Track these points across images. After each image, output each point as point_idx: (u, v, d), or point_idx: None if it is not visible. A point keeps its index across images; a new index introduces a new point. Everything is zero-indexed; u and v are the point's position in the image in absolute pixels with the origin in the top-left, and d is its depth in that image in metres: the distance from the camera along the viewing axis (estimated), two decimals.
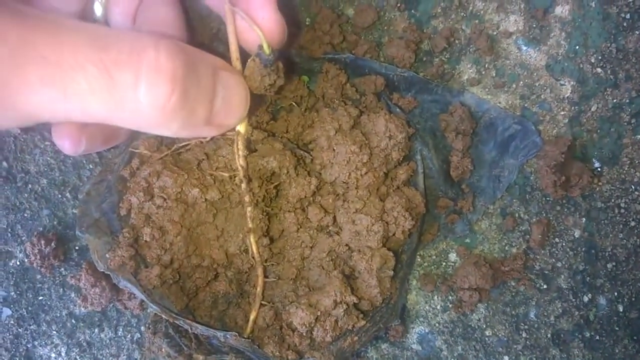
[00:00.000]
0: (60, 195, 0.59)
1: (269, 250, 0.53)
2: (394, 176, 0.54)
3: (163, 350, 0.47)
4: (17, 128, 0.57)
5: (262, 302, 0.49)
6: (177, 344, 0.48)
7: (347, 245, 0.52)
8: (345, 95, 0.56)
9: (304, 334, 0.47)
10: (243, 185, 0.47)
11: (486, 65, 0.58)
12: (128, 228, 0.48)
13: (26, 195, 0.59)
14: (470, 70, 0.58)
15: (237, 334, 0.46)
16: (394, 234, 0.51)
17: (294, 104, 0.55)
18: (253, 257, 0.49)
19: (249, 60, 0.44)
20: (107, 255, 0.48)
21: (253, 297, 0.51)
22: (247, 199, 0.47)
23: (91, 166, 0.58)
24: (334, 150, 0.52)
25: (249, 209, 0.47)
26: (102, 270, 0.48)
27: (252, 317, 0.49)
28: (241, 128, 0.46)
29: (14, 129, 0.57)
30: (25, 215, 0.59)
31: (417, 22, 0.58)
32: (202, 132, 0.42)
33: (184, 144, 0.51)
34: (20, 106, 0.33)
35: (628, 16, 0.58)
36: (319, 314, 0.47)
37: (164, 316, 0.46)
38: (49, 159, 0.59)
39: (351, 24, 0.58)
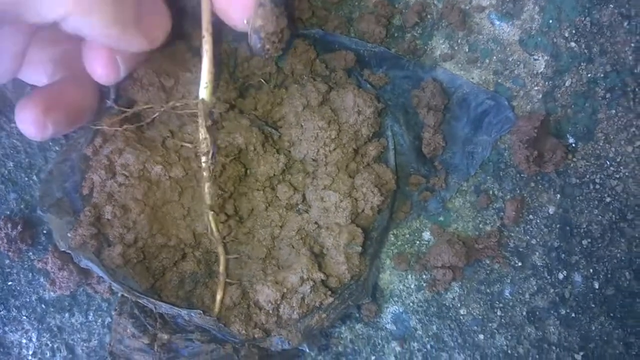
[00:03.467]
0: (27, 179, 0.57)
1: (238, 230, 0.52)
2: (364, 153, 0.53)
3: (128, 330, 0.47)
4: None
5: (228, 281, 0.49)
6: (142, 324, 0.47)
7: (316, 222, 0.51)
8: (314, 72, 0.55)
9: (271, 312, 0.47)
10: (203, 159, 0.46)
11: (459, 41, 0.57)
12: (90, 207, 0.47)
13: None
14: (443, 46, 0.57)
15: (201, 312, 0.46)
16: (363, 211, 0.51)
17: (262, 81, 0.54)
18: (212, 235, 0.48)
19: (256, 7, 0.42)
20: (68, 235, 0.47)
21: (220, 282, 0.50)
22: (205, 174, 0.46)
23: (57, 148, 0.57)
24: (302, 126, 0.51)
25: (207, 184, 0.46)
26: (63, 249, 0.47)
27: (218, 296, 0.48)
28: (205, 95, 0.45)
29: None
30: None
31: None
32: (132, 38, 0.39)
33: (148, 120, 0.50)
34: None
35: None
36: (285, 291, 0.46)
37: (126, 294, 0.46)
38: (15, 141, 0.58)
39: None
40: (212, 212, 0.48)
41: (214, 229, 0.48)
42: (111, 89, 0.50)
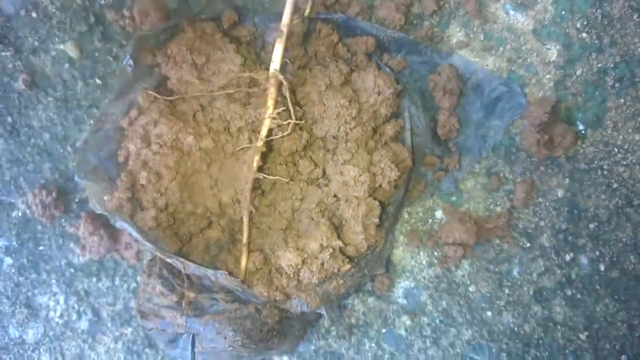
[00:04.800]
0: (62, 150, 0.61)
1: (260, 202, 0.55)
2: (382, 132, 0.56)
3: (157, 289, 0.50)
4: (22, 85, 0.59)
5: (251, 249, 0.51)
6: (170, 283, 0.50)
7: (335, 195, 0.53)
8: (337, 55, 0.58)
9: (292, 276, 0.49)
10: (265, 129, 0.49)
11: (475, 29, 0.60)
12: (126, 172, 0.50)
13: (29, 149, 0.61)
14: (459, 34, 0.60)
15: (227, 273, 0.48)
16: (380, 185, 0.53)
17: (288, 61, 0.57)
18: (243, 203, 0.51)
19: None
20: (104, 199, 0.50)
21: (244, 245, 0.53)
22: (260, 144, 0.50)
23: (92, 121, 0.60)
24: (324, 104, 0.54)
25: (258, 155, 0.49)
26: (99, 212, 0.50)
27: (243, 261, 0.51)
28: (277, 70, 0.49)
29: (19, 84, 0.60)
30: (28, 168, 0.61)
31: None
32: None
33: (180, 95, 0.53)
34: None
35: None
36: (305, 256, 0.49)
37: (158, 254, 0.49)
38: (51, 114, 0.61)
39: None
40: (257, 177, 0.50)
41: (248, 196, 0.50)
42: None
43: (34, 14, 0.60)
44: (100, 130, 0.54)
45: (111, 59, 0.60)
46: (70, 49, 0.61)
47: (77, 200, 0.61)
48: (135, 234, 0.49)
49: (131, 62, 0.53)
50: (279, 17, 0.53)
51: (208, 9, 0.57)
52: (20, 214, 0.61)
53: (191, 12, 0.57)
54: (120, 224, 0.49)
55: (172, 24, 0.56)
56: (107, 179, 0.51)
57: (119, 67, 0.55)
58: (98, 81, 0.60)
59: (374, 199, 0.53)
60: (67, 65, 0.60)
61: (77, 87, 0.60)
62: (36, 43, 0.60)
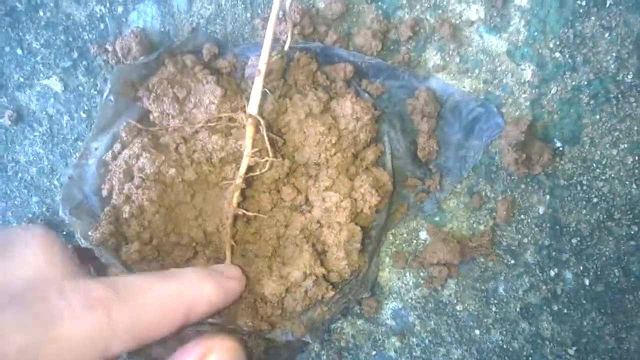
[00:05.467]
0: (48, 183, 0.62)
1: (245, 230, 0.55)
2: (363, 157, 0.57)
3: None
4: (7, 120, 0.60)
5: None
6: None
7: (318, 222, 0.54)
8: (316, 83, 0.59)
9: (276, 305, 0.50)
10: (243, 167, 0.51)
11: (450, 53, 0.61)
12: (109, 207, 0.51)
13: (16, 183, 0.62)
14: (435, 57, 0.61)
15: None
16: (362, 210, 0.54)
17: (267, 91, 0.58)
18: (225, 236, 0.52)
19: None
20: (90, 233, 0.51)
21: None
22: (239, 181, 0.51)
23: (78, 155, 0.61)
24: (304, 132, 0.55)
25: (237, 192, 0.51)
26: (85, 246, 0.50)
27: None
28: (254, 111, 0.51)
29: (4, 120, 0.61)
30: (16, 202, 0.62)
31: (384, 13, 0.61)
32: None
33: (162, 128, 0.54)
34: None
35: (584, 3, 0.62)
36: (289, 285, 0.49)
37: None
38: (37, 149, 0.62)
39: (321, 16, 0.61)
40: (237, 212, 0.52)
41: (229, 231, 0.51)
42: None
43: (18, 51, 0.61)
44: (84, 165, 0.55)
45: (95, 92, 0.61)
46: (55, 84, 0.62)
47: (64, 232, 0.61)
48: (121, 268, 0.49)
49: (111, 96, 0.54)
50: (259, 47, 0.55)
51: (189, 43, 0.59)
52: None
53: (173, 45, 0.58)
54: (106, 257, 0.50)
55: (153, 57, 0.57)
56: (92, 214, 0.52)
57: (100, 101, 0.56)
58: (83, 115, 0.61)
59: (356, 224, 0.53)
60: (52, 100, 0.61)
61: (62, 122, 0.62)
62: (21, 79, 0.61)
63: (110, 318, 0.33)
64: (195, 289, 0.40)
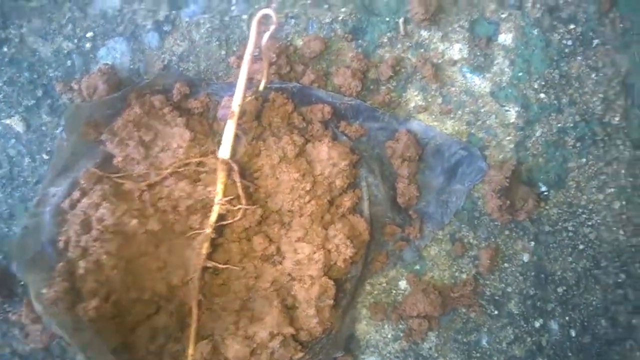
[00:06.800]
0: (7, 229, 0.58)
1: (213, 282, 0.52)
2: (339, 204, 0.54)
3: None
4: None
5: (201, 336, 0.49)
6: None
7: (289, 274, 0.51)
8: (292, 124, 0.56)
9: None
10: (214, 214, 0.48)
11: (432, 93, 0.59)
12: (64, 262, 0.48)
13: None
14: (417, 98, 0.59)
15: None
16: (335, 263, 0.51)
17: (239, 133, 0.56)
18: (193, 290, 0.48)
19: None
20: (43, 291, 0.47)
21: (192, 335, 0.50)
22: (209, 230, 0.48)
23: (35, 201, 0.58)
24: (277, 178, 0.53)
25: (207, 243, 0.48)
26: (37, 311, 0.47)
27: (190, 351, 0.48)
28: (226, 156, 0.49)
29: None
30: None
31: (364, 51, 0.59)
32: None
33: (125, 174, 0.51)
34: None
35: (570, 42, 0.60)
36: (255, 346, 0.46)
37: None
38: None
39: (299, 55, 0.59)
40: (206, 265, 0.49)
41: (197, 285, 0.48)
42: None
43: None
44: (42, 213, 0.51)
45: (58, 133, 0.58)
46: (17, 124, 0.58)
47: (22, 283, 0.57)
48: (66, 340, 0.46)
49: (64, 135, 0.51)
50: (233, 86, 0.52)
51: (159, 81, 0.56)
52: None
53: (141, 84, 0.55)
54: (55, 328, 0.46)
55: (118, 96, 0.54)
56: (47, 268, 0.49)
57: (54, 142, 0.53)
58: (45, 156, 0.58)
59: (330, 277, 0.51)
60: (13, 140, 0.58)
61: (23, 163, 0.58)
62: None
63: None
64: None
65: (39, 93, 0.58)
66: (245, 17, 0.58)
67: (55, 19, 0.58)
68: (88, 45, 0.58)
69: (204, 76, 0.58)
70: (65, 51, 0.58)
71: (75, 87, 0.57)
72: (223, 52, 0.59)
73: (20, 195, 0.57)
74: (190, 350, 0.48)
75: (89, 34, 0.58)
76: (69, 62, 0.58)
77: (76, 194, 0.50)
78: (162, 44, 0.58)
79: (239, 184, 0.50)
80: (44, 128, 0.58)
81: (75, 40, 0.58)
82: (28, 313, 0.52)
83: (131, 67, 0.58)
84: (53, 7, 0.58)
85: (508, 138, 0.59)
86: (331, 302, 0.49)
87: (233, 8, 0.58)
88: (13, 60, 0.58)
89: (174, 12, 0.58)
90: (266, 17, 0.49)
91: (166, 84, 0.56)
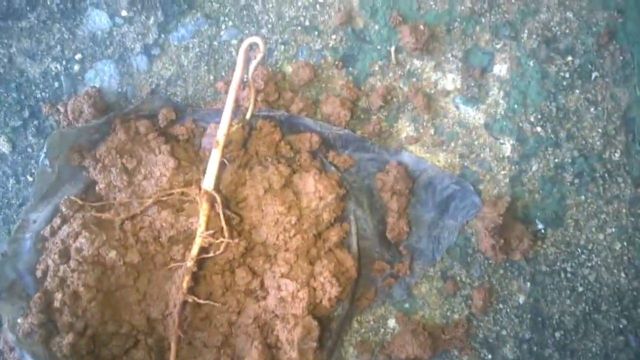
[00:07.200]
0: None
1: (194, 315, 0.50)
2: (326, 238, 0.52)
3: None
4: None
5: None
6: None
7: (272, 311, 0.49)
8: (279, 153, 0.55)
9: None
10: (196, 247, 0.47)
11: (424, 124, 0.57)
12: (41, 293, 0.46)
13: None
14: (409, 128, 0.57)
15: None
16: (321, 301, 0.49)
17: (225, 161, 0.54)
18: (173, 324, 0.46)
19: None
20: (18, 321, 0.46)
21: None
22: (190, 263, 0.47)
23: (15, 226, 0.56)
24: (262, 210, 0.51)
25: (187, 278, 0.46)
26: (10, 342, 0.45)
27: None
28: (210, 187, 0.47)
29: None
30: None
31: (354, 79, 0.58)
32: None
33: (107, 202, 0.50)
34: None
35: (567, 75, 0.58)
36: None
37: None
38: None
39: (288, 82, 0.58)
40: (187, 299, 0.47)
41: (177, 320, 0.46)
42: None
43: None
44: (21, 240, 0.50)
45: (41, 160, 0.57)
46: (3, 144, 0.58)
47: None
48: None
49: (47, 161, 0.50)
50: (219, 113, 0.51)
51: (145, 106, 0.55)
52: None
53: (126, 109, 0.54)
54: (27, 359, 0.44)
55: (102, 121, 0.53)
56: (25, 297, 0.47)
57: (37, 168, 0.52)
58: (30, 179, 0.57)
59: (314, 316, 0.48)
60: None
61: (8, 185, 0.57)
62: None
63: None
64: None
65: (26, 114, 0.58)
66: (234, 42, 0.58)
67: (44, 40, 0.58)
68: (76, 67, 0.58)
69: (192, 101, 0.58)
70: (54, 72, 0.58)
71: (62, 109, 0.56)
72: (211, 77, 0.58)
73: (3, 217, 0.56)
74: None
75: (78, 56, 0.58)
76: (56, 84, 0.58)
77: (57, 221, 0.49)
78: (150, 67, 0.58)
79: (222, 216, 0.48)
80: (29, 150, 0.57)
81: (64, 62, 0.58)
82: (6, 341, 0.50)
83: (119, 90, 0.58)
84: (42, 28, 0.58)
85: (503, 172, 0.57)
86: (314, 344, 0.47)
87: (222, 33, 0.58)
88: (1, 80, 0.58)
89: (163, 35, 0.58)
90: (254, 45, 0.48)
91: (152, 109, 0.55)
